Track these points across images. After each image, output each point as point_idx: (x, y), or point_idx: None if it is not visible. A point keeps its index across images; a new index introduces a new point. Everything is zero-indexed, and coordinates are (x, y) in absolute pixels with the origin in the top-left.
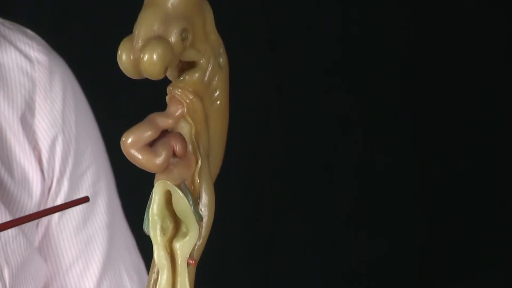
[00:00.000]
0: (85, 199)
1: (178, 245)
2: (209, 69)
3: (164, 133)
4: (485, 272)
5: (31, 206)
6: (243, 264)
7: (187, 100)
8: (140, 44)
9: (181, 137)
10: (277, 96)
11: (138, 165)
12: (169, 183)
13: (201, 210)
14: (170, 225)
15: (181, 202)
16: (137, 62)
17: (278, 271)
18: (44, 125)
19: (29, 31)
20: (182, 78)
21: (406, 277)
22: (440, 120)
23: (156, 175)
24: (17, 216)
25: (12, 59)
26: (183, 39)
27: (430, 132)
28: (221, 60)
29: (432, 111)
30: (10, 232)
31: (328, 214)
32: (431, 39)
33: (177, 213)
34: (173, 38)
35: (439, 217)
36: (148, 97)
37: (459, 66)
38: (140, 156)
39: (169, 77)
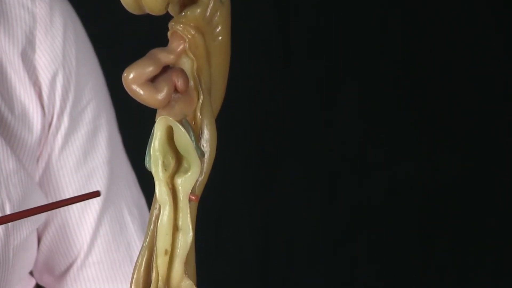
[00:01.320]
0: (97, 194)
1: (179, 181)
2: (211, 4)
3: (166, 68)
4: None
5: (32, 142)
6: (244, 199)
7: (188, 36)
8: None
9: (182, 72)
10: (278, 32)
11: (139, 101)
12: (170, 118)
13: (203, 145)
14: (171, 161)
15: (182, 137)
16: None
17: (279, 206)
18: (45, 60)
19: None
20: (183, 13)
21: (408, 212)
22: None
23: (157, 111)
24: (17, 151)
25: None
26: None
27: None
28: None
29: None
30: (11, 166)
31: (330, 151)
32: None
33: (179, 149)
34: None
35: (443, 149)
36: (149, 32)
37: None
38: (141, 92)
39: (171, 13)
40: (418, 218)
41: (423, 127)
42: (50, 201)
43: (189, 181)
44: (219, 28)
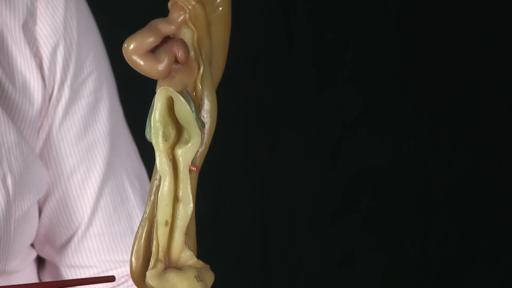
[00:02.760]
0: (112, 278)
1: (180, 152)
2: None
3: (166, 39)
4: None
5: (32, 114)
6: (244, 170)
7: (189, 6)
8: None
9: (183, 43)
10: (279, 1)
11: (140, 71)
12: (171, 89)
13: (203, 116)
14: (172, 132)
15: (183, 108)
16: None
17: (279, 177)
18: (46, 32)
19: None
20: None
21: (409, 182)
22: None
23: (158, 82)
24: (18, 123)
25: None
26: None
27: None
28: None
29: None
30: (13, 138)
31: (329, 122)
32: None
33: (179, 120)
34: None
35: (443, 123)
36: (150, 3)
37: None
38: (142, 62)
39: None
40: (419, 188)
41: (424, 99)
42: (51, 173)
43: (190, 152)
44: None
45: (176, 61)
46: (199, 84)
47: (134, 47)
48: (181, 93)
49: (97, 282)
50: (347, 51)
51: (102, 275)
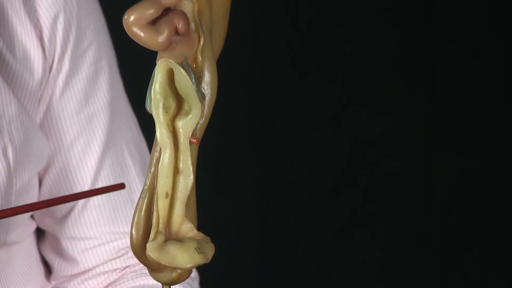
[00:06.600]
0: (122, 186)
1: (180, 124)
2: None
3: (167, 11)
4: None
5: (33, 85)
6: (245, 142)
7: None
8: None
9: (183, 14)
10: None
11: (140, 43)
12: (171, 61)
13: (204, 88)
14: (172, 104)
15: (183, 80)
16: None
17: (280, 149)
18: (46, 3)
19: None
20: None
21: (410, 149)
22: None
23: (158, 53)
24: (19, 94)
25: None
26: None
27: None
28: None
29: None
30: (14, 110)
31: (330, 94)
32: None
33: (180, 92)
34: None
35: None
36: None
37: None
38: (142, 34)
39: None
40: (419, 160)
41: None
42: (51, 144)
43: (190, 123)
44: None
45: (177, 32)
46: (200, 56)
47: (134, 18)
48: (181, 64)
49: (107, 191)
50: (352, 24)
51: (102, 247)
